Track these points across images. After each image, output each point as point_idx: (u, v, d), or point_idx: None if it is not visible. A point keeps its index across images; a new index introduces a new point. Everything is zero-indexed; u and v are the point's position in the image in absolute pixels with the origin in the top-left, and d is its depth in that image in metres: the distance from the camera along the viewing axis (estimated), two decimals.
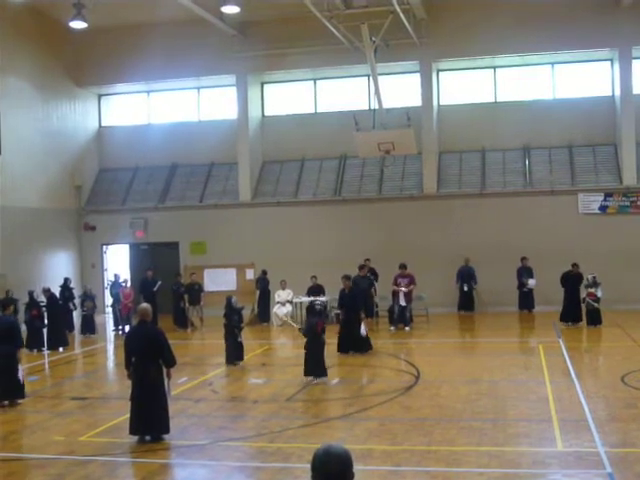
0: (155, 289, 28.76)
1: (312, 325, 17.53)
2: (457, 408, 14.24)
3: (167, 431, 12.56)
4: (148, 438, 12.46)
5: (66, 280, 28.20)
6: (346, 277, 22.15)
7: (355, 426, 13.19)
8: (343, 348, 21.02)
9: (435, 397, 15.26)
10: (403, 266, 26.37)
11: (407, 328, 25.86)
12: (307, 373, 17.18)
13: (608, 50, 30.96)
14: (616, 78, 31.14)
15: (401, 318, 26.05)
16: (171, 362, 12.75)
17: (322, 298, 28.21)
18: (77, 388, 18.08)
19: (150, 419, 12.45)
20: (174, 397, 14.11)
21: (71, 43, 33.15)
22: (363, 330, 20.95)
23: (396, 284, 26.19)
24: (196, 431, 13.18)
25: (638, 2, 28.96)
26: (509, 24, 30.05)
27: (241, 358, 19.93)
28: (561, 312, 25.75)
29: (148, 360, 12.53)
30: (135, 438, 12.48)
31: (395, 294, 26.18)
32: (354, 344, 20.95)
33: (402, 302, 25.91)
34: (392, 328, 25.87)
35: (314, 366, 17.13)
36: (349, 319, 21.26)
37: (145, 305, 13.32)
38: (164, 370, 12.70)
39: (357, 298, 21.64)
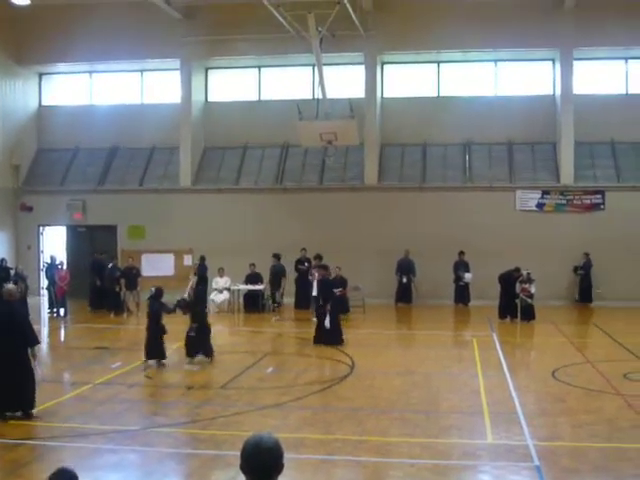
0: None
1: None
2: (391, 399, 14.36)
3: (30, 408, 12.65)
4: (19, 414, 12.58)
5: (2, 261, 27.74)
6: (323, 267, 22.30)
7: (289, 415, 13.24)
8: (317, 339, 21.07)
9: (369, 388, 15.37)
10: (319, 257, 26.42)
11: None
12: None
13: (550, 50, 31.34)
14: (557, 78, 31.56)
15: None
16: (32, 341, 12.97)
17: (260, 286, 28.28)
18: None
19: (11, 395, 12.56)
20: (108, 382, 14.01)
21: (12, 20, 32.45)
22: (327, 322, 20.95)
23: (311, 275, 26.22)
24: (128, 416, 13.10)
25: (580, 4, 29.40)
26: (454, 20, 30.24)
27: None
28: (499, 308, 26.06)
29: (9, 338, 12.60)
30: (64, 423, 12.37)
31: (311, 285, 26.26)
32: (324, 336, 20.96)
33: (314, 293, 25.87)
34: (315, 319, 25.73)
35: (153, 350, 17.60)
36: (322, 311, 21.31)
37: (10, 286, 13.58)
38: (29, 350, 12.90)
39: (326, 290, 21.75)
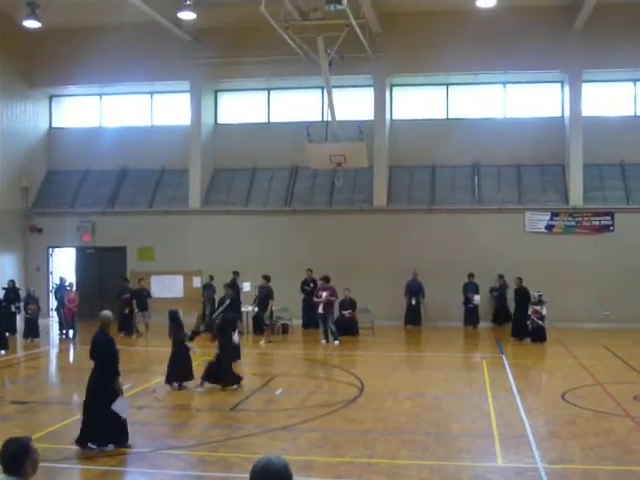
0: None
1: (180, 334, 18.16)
2: (400, 421, 14.30)
3: (126, 439, 12.30)
4: (109, 447, 12.26)
5: (11, 282, 27.80)
6: (228, 285, 22.45)
7: (298, 437, 13.19)
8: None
9: (378, 410, 15.31)
10: (325, 279, 26.51)
11: (336, 342, 25.59)
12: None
13: (559, 72, 31.43)
14: (566, 100, 31.63)
15: (325, 331, 26.04)
16: (115, 373, 12.48)
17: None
18: (18, 392, 17.81)
19: (106, 427, 12.20)
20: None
21: (24, 42, 32.69)
22: (235, 337, 21.15)
23: (317, 296, 26.32)
24: (138, 439, 13.04)
25: (589, 27, 29.48)
26: (463, 42, 30.33)
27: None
28: (512, 325, 26.39)
29: (102, 366, 12.39)
30: (73, 445, 12.33)
31: (316, 305, 26.34)
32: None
33: (320, 310, 25.94)
34: (323, 341, 25.83)
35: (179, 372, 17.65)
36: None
37: (107, 312, 13.29)
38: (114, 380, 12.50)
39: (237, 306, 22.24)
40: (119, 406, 12.18)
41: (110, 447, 12.19)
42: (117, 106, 35.53)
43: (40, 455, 5.66)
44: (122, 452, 12.12)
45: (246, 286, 28.29)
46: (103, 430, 12.19)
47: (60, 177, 35.11)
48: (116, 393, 12.33)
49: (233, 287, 28.65)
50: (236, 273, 28.82)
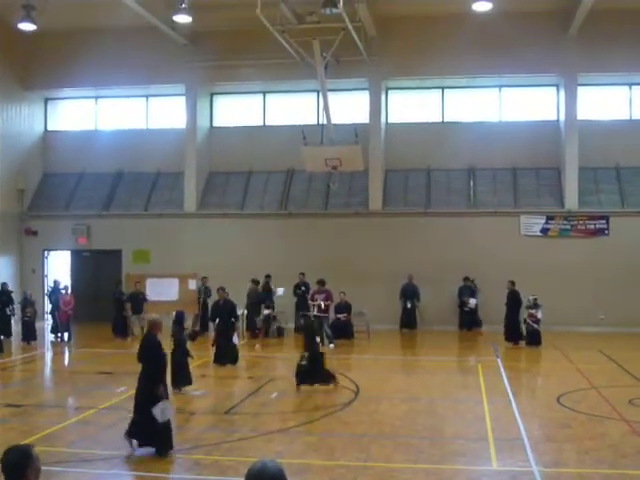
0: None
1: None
2: (395, 425, 14.30)
3: (164, 447, 12.20)
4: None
5: (4, 285, 27.72)
6: (221, 289, 22.56)
7: (293, 440, 13.19)
8: (219, 359, 21.31)
9: (374, 413, 15.31)
10: (321, 282, 26.54)
11: (331, 345, 25.46)
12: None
13: (554, 76, 31.48)
14: (561, 103, 31.68)
15: (320, 334, 25.92)
16: (159, 379, 12.55)
17: (265, 311, 28.20)
18: (12, 395, 17.73)
19: (147, 430, 12.24)
20: (112, 407, 13.97)
21: (19, 45, 32.65)
22: (235, 339, 21.23)
23: (312, 299, 26.33)
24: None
25: (584, 31, 29.52)
26: (459, 46, 30.35)
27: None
28: (505, 329, 26.33)
29: (149, 371, 12.52)
30: (68, 448, 12.31)
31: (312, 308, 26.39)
32: (228, 354, 21.17)
33: (315, 313, 25.98)
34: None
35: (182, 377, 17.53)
36: (222, 330, 21.54)
37: (155, 315, 13.35)
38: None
39: (232, 309, 22.06)
40: (159, 411, 12.13)
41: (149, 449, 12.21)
42: (113, 109, 35.49)
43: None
44: (117, 455, 12.10)
45: (280, 291, 28.34)
46: (146, 431, 12.20)
47: (56, 180, 35.05)
48: (158, 397, 12.26)
49: (266, 289, 28.67)
50: (268, 277, 28.81)
